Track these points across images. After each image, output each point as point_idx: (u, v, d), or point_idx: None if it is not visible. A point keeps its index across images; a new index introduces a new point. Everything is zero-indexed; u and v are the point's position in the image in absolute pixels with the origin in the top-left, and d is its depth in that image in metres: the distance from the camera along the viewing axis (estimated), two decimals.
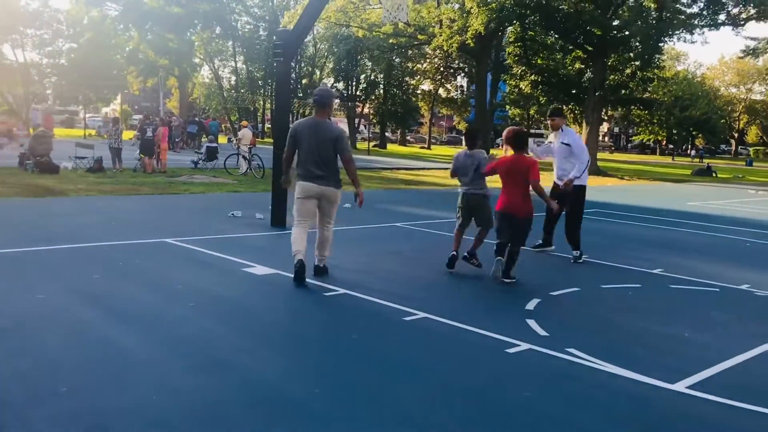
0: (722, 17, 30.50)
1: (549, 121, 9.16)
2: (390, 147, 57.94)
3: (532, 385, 4.30)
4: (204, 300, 5.94)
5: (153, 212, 11.28)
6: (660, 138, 72.32)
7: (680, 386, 4.40)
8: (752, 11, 29.21)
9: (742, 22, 30.35)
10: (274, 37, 10.56)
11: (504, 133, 7.62)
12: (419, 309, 5.89)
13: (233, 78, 59.67)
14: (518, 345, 5.06)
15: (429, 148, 61.91)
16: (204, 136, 33.08)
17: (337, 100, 58.85)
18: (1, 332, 4.75)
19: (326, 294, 6.34)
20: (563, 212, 8.84)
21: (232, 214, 11.07)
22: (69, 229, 9.03)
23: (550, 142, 9.35)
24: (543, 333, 5.40)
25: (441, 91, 60.73)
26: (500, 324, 5.60)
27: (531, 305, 6.26)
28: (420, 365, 4.58)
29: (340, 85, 56.86)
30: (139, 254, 7.62)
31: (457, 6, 34.82)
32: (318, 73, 57.77)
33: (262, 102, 57.66)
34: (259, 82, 57.05)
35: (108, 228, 9.26)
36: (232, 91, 57.93)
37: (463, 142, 8.29)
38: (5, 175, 15.66)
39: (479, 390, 4.19)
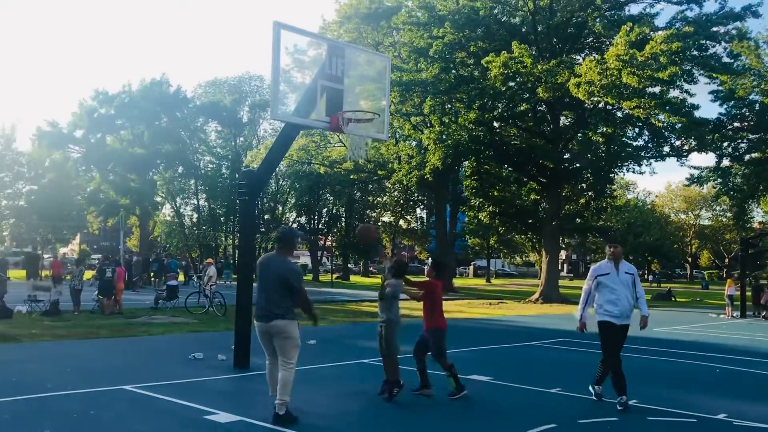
0: (666, 149, 32.21)
1: (611, 249, 8.09)
2: (353, 278, 57.83)
3: None
4: None
5: (110, 357, 10.81)
6: None
7: None
8: (693, 143, 30.98)
9: (685, 153, 32.06)
10: (238, 177, 10.73)
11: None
12: None
13: (195, 215, 59.89)
14: None
15: None
16: (164, 274, 32.68)
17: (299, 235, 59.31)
18: None
19: None
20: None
21: (194, 356, 10.68)
22: (18, 378, 8.55)
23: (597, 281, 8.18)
24: None
25: (401, 222, 61.79)
26: None
27: None
28: None
29: (303, 219, 57.48)
30: (94, 404, 7.20)
31: (414, 143, 36.16)
32: (280, 208, 58.44)
33: (224, 238, 57.69)
34: (221, 218, 57.33)
35: (62, 376, 8.80)
36: (194, 228, 57.96)
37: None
38: None
39: None
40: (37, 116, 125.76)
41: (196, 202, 58.60)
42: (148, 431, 6.26)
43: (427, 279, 8.62)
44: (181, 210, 59.42)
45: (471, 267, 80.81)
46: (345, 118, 8.91)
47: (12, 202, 46.13)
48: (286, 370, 6.59)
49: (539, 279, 35.72)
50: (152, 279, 33.18)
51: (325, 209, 57.36)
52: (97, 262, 29.48)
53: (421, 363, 8.34)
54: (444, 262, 9.00)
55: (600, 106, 30.57)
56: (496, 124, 32.66)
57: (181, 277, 35.01)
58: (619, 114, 31.39)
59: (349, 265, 61.30)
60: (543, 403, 8.13)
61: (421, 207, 61.29)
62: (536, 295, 32.42)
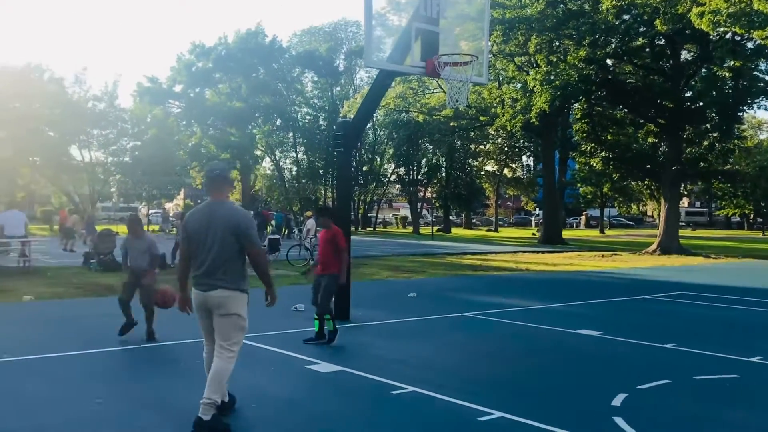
0: None
1: None
2: (454, 231, 57.93)
3: None
4: (267, 401, 5.92)
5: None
6: (747, 212, 69.99)
7: None
8: None
9: None
10: (335, 128, 10.92)
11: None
12: (494, 408, 5.71)
13: (294, 168, 61.55)
14: None
15: (496, 230, 61.59)
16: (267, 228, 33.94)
17: (398, 185, 59.78)
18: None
19: (393, 392, 6.23)
20: None
21: (295, 308, 11.15)
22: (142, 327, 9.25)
23: None
24: None
25: (506, 171, 60.95)
26: (585, 423, 5.36)
27: (617, 401, 5.99)
28: None
29: (401, 170, 57.82)
30: (198, 353, 7.71)
31: (519, 86, 35.34)
32: (378, 159, 59.03)
33: (323, 191, 59.05)
34: (320, 171, 58.62)
35: (173, 325, 9.43)
36: (294, 181, 59.63)
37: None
38: (70, 274, 16.34)
39: None
40: (138, 72, 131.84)
41: (294, 155, 60.13)
42: (252, 380, 6.66)
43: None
44: (281, 163, 61.18)
45: (582, 217, 78.83)
46: (441, 62, 8.85)
47: (117, 158, 49.00)
48: (222, 359, 5.06)
49: (657, 229, 34.45)
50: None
51: (425, 159, 57.39)
52: None
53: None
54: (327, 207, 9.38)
55: (727, 37, 28.61)
56: (609, 62, 31.36)
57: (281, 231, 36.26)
58: (749, 45, 29.27)
59: (450, 217, 61.37)
60: (657, 358, 7.98)
61: (528, 154, 60.13)
62: (653, 246, 31.38)
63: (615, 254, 29.92)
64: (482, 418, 5.48)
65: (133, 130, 48.62)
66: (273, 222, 36.72)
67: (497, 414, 5.57)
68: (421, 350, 8.19)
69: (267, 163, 63.56)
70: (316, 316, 8.51)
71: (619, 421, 5.42)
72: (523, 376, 7.10)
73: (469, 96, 9.37)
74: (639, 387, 6.50)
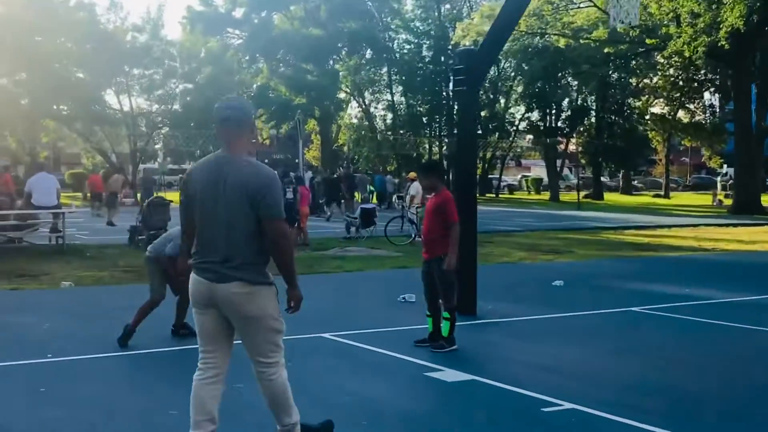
0: None
1: None
2: (608, 197, 57.04)
3: None
4: (381, 418, 6.13)
5: (304, 298, 11.83)
6: None
7: None
8: None
9: None
10: (455, 59, 10.96)
11: None
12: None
13: (389, 115, 61.88)
14: None
15: (667, 196, 60.18)
16: (357, 195, 34.42)
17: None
18: None
19: (545, 409, 6.32)
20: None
21: (403, 298, 11.36)
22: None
23: None
24: None
25: (681, 114, 59.16)
26: None
27: None
28: None
29: (534, 116, 57.23)
30: (292, 355, 8.03)
31: None
32: (502, 101, 58.55)
33: (428, 145, 59.10)
34: (423, 119, 58.63)
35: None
36: (389, 132, 59.96)
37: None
38: (115, 255, 17.20)
39: None
40: None
41: (390, 98, 60.35)
42: (359, 388, 6.91)
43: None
44: (372, 109, 61.60)
45: None
46: None
47: (164, 106, 50.60)
48: (268, 379, 4.88)
49: None
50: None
51: (567, 100, 56.54)
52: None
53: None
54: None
55: None
56: None
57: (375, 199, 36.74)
58: None
59: (602, 179, 60.38)
60: None
61: (712, 90, 58.06)
62: None
63: None
64: None
65: (182, 69, 50.05)
66: (370, 187, 37.18)
67: None
68: (574, 356, 8.23)
69: (353, 110, 64.25)
70: (428, 313, 8.52)
71: None
72: (718, 391, 7.04)
73: (638, 14, 9.20)
74: None
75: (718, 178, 68.58)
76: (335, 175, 38.24)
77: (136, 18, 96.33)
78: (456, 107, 46.61)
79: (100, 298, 11.80)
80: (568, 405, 6.41)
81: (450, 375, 7.35)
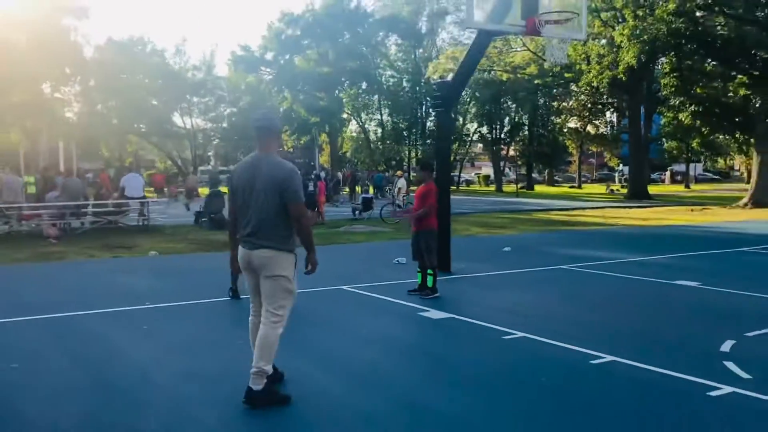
0: None
1: None
2: (537, 188, 57.02)
3: (744, 431, 4.11)
4: (390, 343, 6.22)
5: (325, 262, 11.89)
6: None
7: None
8: None
9: None
10: (434, 88, 10.98)
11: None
12: (605, 352, 5.80)
13: (379, 130, 61.83)
14: (720, 388, 4.86)
15: (579, 187, 60.22)
16: (358, 188, 34.39)
17: (480, 145, 59.01)
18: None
19: (504, 337, 6.41)
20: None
21: (397, 260, 11.44)
22: None
23: None
24: (746, 376, 5.14)
25: (589, 127, 59.20)
26: (696, 366, 5.39)
27: (726, 347, 5.97)
28: (625, 410, 4.52)
29: (484, 129, 57.13)
30: (322, 301, 8.11)
31: (604, 41, 34.16)
32: (461, 119, 58.36)
33: (407, 151, 59.13)
34: (404, 132, 58.62)
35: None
36: (379, 142, 59.93)
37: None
38: (185, 232, 17.20)
39: None
40: (232, 42, 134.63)
41: (379, 117, 60.32)
42: (376, 323, 7.00)
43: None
44: (366, 125, 61.50)
45: (667, 173, 76.00)
46: (542, 20, 8.75)
47: (215, 124, 50.62)
48: (267, 324, 4.61)
49: (747, 183, 32.94)
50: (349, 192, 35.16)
51: (507, 118, 56.45)
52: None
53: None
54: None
55: None
56: (698, 14, 29.77)
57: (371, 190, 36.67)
58: None
59: (533, 175, 60.42)
60: (761, 307, 7.83)
61: (611, 110, 58.10)
62: (745, 200, 30.07)
63: (705, 208, 28.89)
64: (594, 362, 5.59)
65: (229, 98, 50.05)
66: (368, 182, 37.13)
67: (609, 358, 5.66)
68: (524, 300, 8.31)
69: (353, 126, 64.12)
70: (419, 269, 8.59)
71: (730, 365, 5.41)
72: (630, 323, 7.12)
73: (567, 54, 9.21)
74: (746, 334, 6.44)
75: (616, 174, 68.70)
76: (340, 174, 38.19)
77: (195, 60, 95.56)
78: (428, 124, 46.35)
79: (179, 262, 11.83)
80: (521, 334, 6.50)
81: (435, 314, 7.43)
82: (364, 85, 56.64)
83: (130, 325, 6.91)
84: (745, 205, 29.38)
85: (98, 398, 4.73)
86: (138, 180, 18.25)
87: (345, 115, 58.16)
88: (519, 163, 61.06)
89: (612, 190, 47.90)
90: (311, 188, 19.39)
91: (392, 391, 4.87)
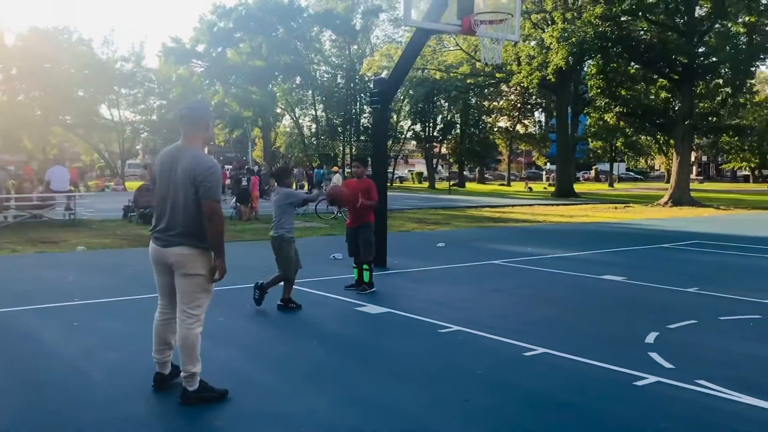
0: None
1: None
2: (469, 185, 57.92)
3: (668, 418, 4.31)
4: (328, 338, 6.22)
5: (257, 258, 11.75)
6: (752, 165, 69.51)
7: None
8: None
9: None
10: (371, 85, 11.00)
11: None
12: (537, 345, 5.96)
13: (314, 126, 61.42)
14: (645, 378, 5.07)
15: (509, 184, 61.48)
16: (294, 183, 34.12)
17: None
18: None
19: (440, 331, 6.51)
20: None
21: (333, 256, 11.43)
22: None
23: None
24: (668, 365, 5.38)
25: (519, 127, 60.54)
26: (623, 357, 5.61)
27: (650, 338, 6.23)
28: (555, 399, 4.66)
29: (417, 127, 57.59)
30: (267, 298, 8.01)
31: (534, 43, 34.96)
32: (395, 116, 58.64)
33: (341, 147, 58.99)
34: (338, 128, 58.44)
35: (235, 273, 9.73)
36: (313, 138, 59.56)
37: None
38: (114, 226, 16.72)
39: (618, 424, 4.25)
40: (162, 34, 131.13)
41: (314, 113, 59.89)
42: (314, 319, 6.97)
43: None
44: (300, 121, 61.02)
45: (592, 171, 78.53)
46: (477, 20, 8.89)
47: (145, 117, 49.23)
48: (184, 326, 4.36)
49: (667, 182, 34.40)
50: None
51: (440, 116, 57.06)
52: (229, 171, 31.25)
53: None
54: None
55: None
56: (623, 19, 30.89)
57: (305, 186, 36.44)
58: (763, 1, 28.75)
59: (464, 173, 61.28)
60: (682, 301, 8.20)
61: (540, 110, 59.62)
62: (665, 199, 31.41)
63: (627, 206, 29.99)
64: (527, 354, 5.74)
65: (159, 90, 48.75)
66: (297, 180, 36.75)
67: (541, 350, 5.82)
68: (459, 294, 8.44)
69: (287, 121, 63.50)
70: (354, 265, 8.58)
71: (655, 355, 5.66)
72: (560, 317, 7.34)
73: (501, 54, 9.39)
74: (669, 326, 6.73)
75: (543, 172, 70.45)
76: (273, 169, 37.63)
77: (123, 51, 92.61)
78: (362, 120, 46.36)
79: (106, 258, 11.48)
80: (455, 327, 6.61)
81: (372, 309, 7.47)
82: (298, 80, 56.19)
83: (60, 322, 6.67)
84: (666, 203, 30.68)
85: (33, 395, 4.56)
86: (64, 173, 17.62)
87: (279, 110, 57.54)
88: (451, 160, 61.83)
89: (530, 188, 49.03)
90: (244, 183, 19.14)
91: (336, 386, 4.87)
